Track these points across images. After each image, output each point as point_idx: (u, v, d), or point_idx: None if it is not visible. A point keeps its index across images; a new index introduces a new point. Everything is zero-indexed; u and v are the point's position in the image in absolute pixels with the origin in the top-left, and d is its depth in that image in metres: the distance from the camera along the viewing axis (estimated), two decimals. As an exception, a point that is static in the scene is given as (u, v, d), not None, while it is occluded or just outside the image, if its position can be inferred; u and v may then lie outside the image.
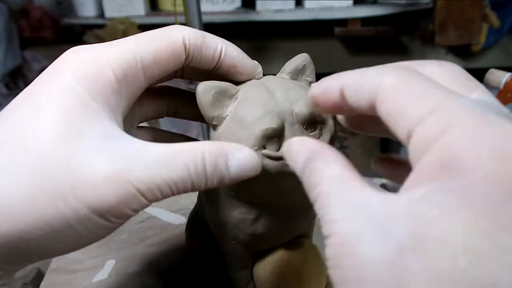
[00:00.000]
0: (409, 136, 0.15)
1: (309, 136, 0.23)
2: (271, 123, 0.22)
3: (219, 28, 1.14)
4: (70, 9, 1.30)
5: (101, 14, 1.21)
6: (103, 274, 0.35)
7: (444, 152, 0.13)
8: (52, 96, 0.19)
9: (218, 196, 0.27)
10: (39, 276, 0.48)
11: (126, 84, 0.21)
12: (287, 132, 0.23)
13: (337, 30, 1.13)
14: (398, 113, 0.15)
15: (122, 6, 1.17)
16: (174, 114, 0.28)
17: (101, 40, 1.28)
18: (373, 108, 0.16)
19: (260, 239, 0.27)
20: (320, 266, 0.29)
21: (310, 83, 0.26)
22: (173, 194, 0.19)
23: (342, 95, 0.18)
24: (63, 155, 0.18)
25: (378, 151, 1.48)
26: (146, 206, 0.19)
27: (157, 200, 0.19)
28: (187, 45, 0.22)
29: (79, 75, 0.19)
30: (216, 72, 0.24)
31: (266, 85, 0.24)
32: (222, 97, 0.24)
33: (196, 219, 0.34)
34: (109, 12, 1.18)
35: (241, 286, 0.30)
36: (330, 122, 0.24)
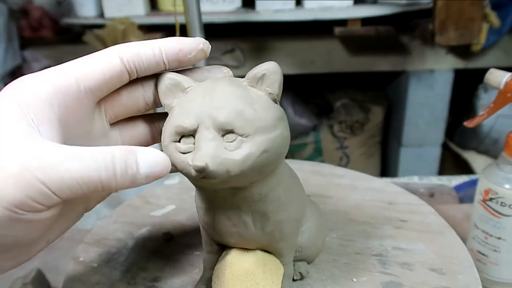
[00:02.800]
0: None
1: (219, 144, 0.23)
2: (183, 122, 0.23)
3: (219, 28, 1.14)
4: (70, 9, 1.29)
5: (101, 14, 1.21)
6: (159, 212, 0.44)
7: None
8: None
9: None
10: (39, 276, 0.48)
11: (58, 94, 0.23)
12: (199, 134, 0.23)
13: (337, 30, 1.13)
14: None
15: (122, 6, 1.17)
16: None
17: (101, 40, 1.28)
18: None
19: (212, 230, 0.29)
20: (273, 272, 0.30)
21: (270, 94, 0.25)
22: (83, 192, 0.20)
23: None
24: None
25: (378, 151, 1.48)
26: (58, 202, 0.20)
27: (68, 196, 0.20)
28: (123, 57, 0.24)
29: (13, 91, 0.22)
30: (174, 68, 0.26)
31: (211, 86, 0.25)
32: (174, 89, 0.26)
33: None
34: (109, 12, 1.18)
35: (205, 267, 0.32)
36: (257, 139, 0.23)
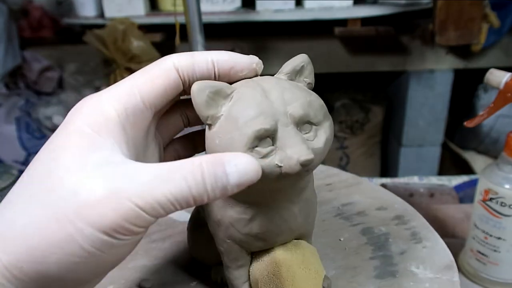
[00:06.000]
0: None
1: (303, 137, 0.23)
2: (263, 124, 0.23)
3: (219, 28, 1.14)
4: (70, 9, 1.29)
5: (101, 14, 1.21)
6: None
7: None
8: (65, 141, 0.22)
9: None
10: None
11: (128, 115, 0.23)
12: (280, 133, 0.23)
13: (337, 30, 1.13)
14: None
15: (122, 6, 1.17)
16: (189, 124, 0.30)
17: (101, 40, 1.27)
18: None
19: (255, 238, 0.27)
20: (317, 268, 0.29)
21: (309, 84, 0.26)
22: (176, 209, 0.21)
23: None
24: (69, 183, 0.20)
25: (378, 151, 1.48)
26: (152, 221, 0.21)
27: (161, 215, 0.20)
28: (178, 69, 0.24)
29: (86, 118, 0.22)
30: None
31: (262, 86, 0.24)
32: (216, 97, 0.24)
33: (197, 218, 0.34)
34: (109, 12, 1.18)
35: (237, 285, 0.30)
36: (326, 124, 0.25)
